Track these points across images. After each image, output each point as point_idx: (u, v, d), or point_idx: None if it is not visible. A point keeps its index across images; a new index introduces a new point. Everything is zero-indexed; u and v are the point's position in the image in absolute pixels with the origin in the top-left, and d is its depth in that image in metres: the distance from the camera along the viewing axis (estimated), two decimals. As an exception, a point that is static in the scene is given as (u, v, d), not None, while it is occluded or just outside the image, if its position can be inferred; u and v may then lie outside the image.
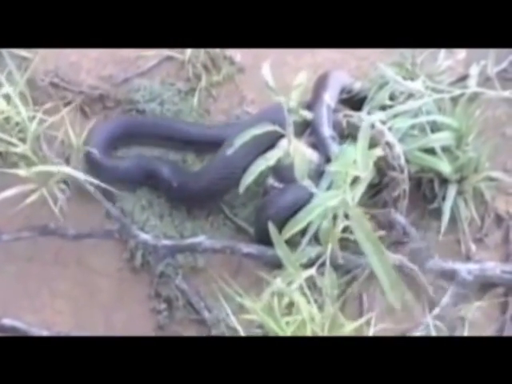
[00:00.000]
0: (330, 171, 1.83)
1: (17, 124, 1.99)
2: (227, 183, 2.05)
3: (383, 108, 2.01)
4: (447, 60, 2.12)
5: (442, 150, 1.97)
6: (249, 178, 1.70)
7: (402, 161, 1.91)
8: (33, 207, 1.97)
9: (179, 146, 2.21)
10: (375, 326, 1.69)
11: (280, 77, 1.85)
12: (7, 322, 1.95)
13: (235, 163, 1.99)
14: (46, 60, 2.30)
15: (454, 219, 2.03)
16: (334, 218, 1.62)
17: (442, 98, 1.99)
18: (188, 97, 2.28)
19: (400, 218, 1.96)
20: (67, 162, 2.06)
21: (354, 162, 1.58)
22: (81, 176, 1.92)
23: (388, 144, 1.91)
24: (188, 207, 2.12)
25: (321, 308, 1.63)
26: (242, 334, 1.66)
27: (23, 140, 1.97)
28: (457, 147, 1.99)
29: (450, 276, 1.93)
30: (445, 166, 1.95)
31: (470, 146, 2.00)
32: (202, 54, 2.27)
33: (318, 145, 2.02)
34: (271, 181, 2.03)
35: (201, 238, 1.97)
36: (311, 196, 1.75)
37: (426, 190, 2.06)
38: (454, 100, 2.01)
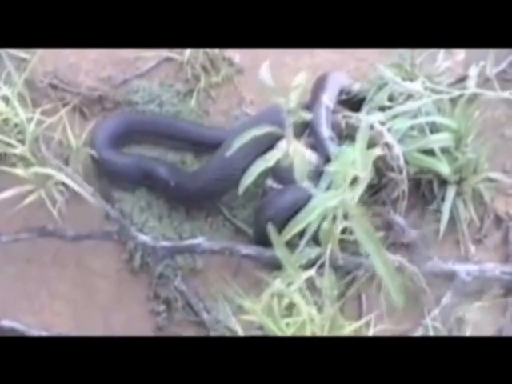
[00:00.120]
0: (329, 172, 1.83)
1: (15, 125, 1.99)
2: (224, 184, 2.05)
3: (382, 109, 2.01)
4: (446, 61, 2.11)
5: (441, 150, 1.96)
6: (248, 180, 1.69)
7: (401, 162, 1.90)
8: (31, 208, 1.97)
9: (182, 145, 2.21)
10: (374, 327, 1.69)
11: (279, 78, 1.85)
12: (6, 323, 1.95)
13: (233, 164, 1.99)
14: (44, 61, 2.29)
15: (453, 220, 2.03)
16: (334, 218, 1.62)
17: (441, 98, 1.99)
18: (187, 98, 2.28)
19: (399, 219, 1.96)
20: (66, 163, 2.06)
21: (353, 163, 1.58)
22: (77, 181, 1.93)
23: (387, 145, 1.91)
24: (185, 207, 2.12)
25: (320, 309, 1.63)
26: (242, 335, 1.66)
27: (22, 141, 1.97)
28: (456, 148, 1.99)
29: (450, 277, 1.93)
30: (444, 167, 1.95)
31: (469, 146, 2.00)
32: (200, 55, 2.26)
33: (317, 146, 2.02)
34: (270, 182, 2.03)
35: (200, 240, 1.97)
36: (310, 197, 1.75)
37: (425, 191, 2.06)
38: (453, 101, 2.01)
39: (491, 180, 2.06)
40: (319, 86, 2.12)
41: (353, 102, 2.12)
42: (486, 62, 2.02)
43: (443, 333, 1.84)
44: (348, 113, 2.04)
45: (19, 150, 1.95)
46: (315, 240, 1.73)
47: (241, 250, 1.96)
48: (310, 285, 1.70)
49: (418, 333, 1.88)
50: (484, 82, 2.04)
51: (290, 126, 1.72)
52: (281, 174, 1.98)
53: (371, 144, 1.85)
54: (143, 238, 1.99)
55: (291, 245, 1.76)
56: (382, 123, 1.93)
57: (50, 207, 1.97)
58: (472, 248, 2.04)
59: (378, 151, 1.68)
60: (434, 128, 1.99)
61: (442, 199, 2.02)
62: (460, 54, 2.18)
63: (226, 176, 2.02)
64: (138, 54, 2.31)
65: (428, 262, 1.93)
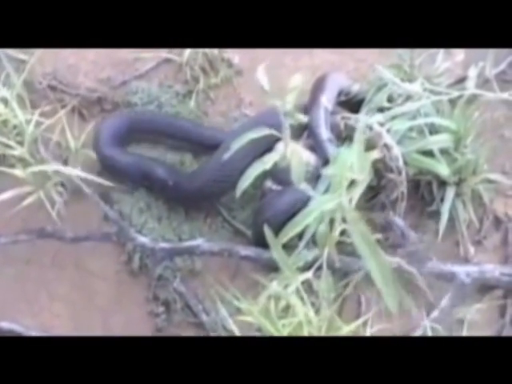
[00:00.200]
0: (327, 174, 1.82)
1: (14, 127, 1.99)
2: (222, 186, 2.05)
3: (381, 110, 2.00)
4: (445, 62, 2.11)
5: (441, 152, 1.96)
6: (245, 182, 1.69)
7: (400, 163, 1.90)
8: (30, 210, 1.98)
9: (183, 145, 2.21)
10: (372, 329, 1.69)
11: (278, 79, 1.84)
12: (5, 325, 1.95)
13: (231, 166, 1.99)
14: (43, 62, 2.30)
15: (452, 221, 2.02)
16: (331, 221, 1.61)
17: (440, 99, 1.98)
18: (186, 99, 2.28)
19: (398, 221, 1.95)
20: (65, 164, 2.06)
21: (351, 165, 1.57)
22: (78, 174, 1.93)
23: (386, 146, 1.90)
24: (183, 207, 2.12)
25: (318, 311, 1.63)
26: (240, 337, 1.67)
27: (21, 143, 1.97)
28: (455, 149, 1.99)
29: (449, 278, 1.92)
30: (443, 169, 1.94)
31: (468, 148, 2.00)
32: (199, 56, 2.26)
33: (316, 147, 2.02)
34: (269, 183, 2.03)
35: (199, 241, 1.97)
36: (308, 198, 1.75)
37: (424, 193, 2.05)
38: (453, 102, 2.00)
39: (490, 181, 2.05)
40: (318, 87, 2.12)
41: (352, 103, 2.12)
42: (485, 62, 2.01)
43: (442, 334, 1.84)
44: (347, 114, 2.04)
45: (18, 151, 1.95)
46: (314, 242, 1.73)
47: (240, 252, 1.96)
48: (308, 287, 1.70)
49: (417, 334, 1.87)
50: (483, 82, 2.03)
51: (287, 129, 1.72)
52: (280, 175, 1.98)
53: (370, 145, 1.86)
54: (142, 239, 1.99)
55: (290, 246, 1.76)
56: (381, 124, 1.93)
57: (49, 208, 1.97)
58: (471, 249, 2.04)
59: (375, 154, 1.67)
60: (433, 129, 1.98)
61: (442, 200, 2.01)
62: (459, 54, 2.18)
63: (224, 177, 2.02)
64: (137, 55, 2.32)
65: (427, 263, 1.93)
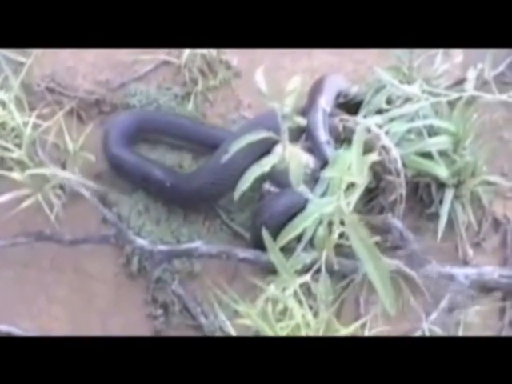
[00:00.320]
0: (325, 177, 1.82)
1: (12, 129, 1.99)
2: (219, 188, 2.05)
3: (380, 112, 2.00)
4: (444, 63, 2.11)
5: (439, 154, 1.96)
6: (244, 185, 1.69)
7: (399, 165, 1.90)
8: (28, 212, 1.98)
9: (195, 147, 2.22)
10: (370, 331, 1.69)
11: (276, 81, 1.83)
12: (3, 328, 1.95)
13: (228, 169, 1.99)
14: (42, 65, 2.30)
15: (451, 223, 2.02)
16: (330, 224, 1.61)
17: (439, 101, 1.98)
18: (184, 101, 2.27)
19: (397, 223, 1.95)
20: (63, 167, 2.06)
21: (349, 168, 1.57)
22: (74, 179, 1.93)
23: (384, 148, 1.90)
24: (181, 208, 2.12)
25: (316, 314, 1.63)
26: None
27: (19, 145, 1.97)
28: (454, 151, 1.99)
29: (448, 281, 1.92)
30: (442, 171, 1.94)
31: (467, 150, 2.00)
32: (198, 58, 2.26)
33: (314, 150, 2.01)
34: (267, 186, 2.02)
35: (197, 244, 1.96)
36: (307, 201, 1.74)
37: (423, 195, 2.05)
38: (451, 104, 2.00)
39: (489, 183, 2.05)
40: (316, 89, 2.11)
41: (350, 105, 2.12)
42: (484, 64, 2.01)
43: (441, 337, 1.84)
44: (345, 116, 2.04)
45: (16, 154, 1.95)
46: (312, 245, 1.73)
47: (238, 254, 1.96)
48: (306, 289, 1.70)
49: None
50: (482, 84, 2.03)
51: (285, 132, 1.71)
52: (278, 177, 1.98)
53: (369, 147, 1.86)
54: (141, 241, 1.99)
55: (288, 249, 1.76)
56: (380, 126, 1.93)
57: (47, 211, 1.97)
58: (470, 251, 2.03)
59: (374, 156, 1.67)
60: (432, 131, 1.99)
61: (440, 202, 2.01)
62: (458, 56, 2.18)
63: (222, 180, 2.03)
64: (136, 57, 2.31)
65: (426, 265, 1.92)
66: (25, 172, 1.93)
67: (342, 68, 2.32)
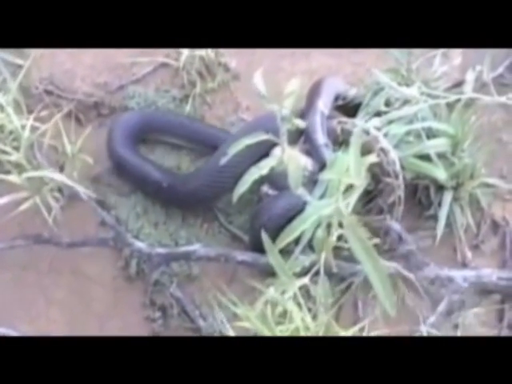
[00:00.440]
0: (324, 179, 1.82)
1: (10, 132, 1.98)
2: (216, 191, 2.06)
3: (378, 114, 2.00)
4: (443, 66, 2.11)
5: (438, 156, 1.96)
6: (242, 188, 1.69)
7: (398, 167, 1.90)
8: (27, 215, 1.97)
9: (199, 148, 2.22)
10: (369, 333, 1.69)
11: (275, 83, 1.84)
12: (1, 330, 1.94)
13: (225, 172, 2.00)
14: (40, 67, 2.29)
15: (449, 226, 2.02)
16: (328, 226, 1.61)
17: (437, 103, 1.98)
18: (183, 104, 2.27)
19: (395, 225, 1.95)
20: (61, 169, 2.06)
21: (347, 170, 1.57)
22: (70, 184, 1.92)
23: (383, 150, 1.90)
24: (177, 209, 2.12)
25: (315, 317, 1.62)
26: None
27: (17, 148, 1.96)
28: (452, 153, 1.99)
29: (446, 283, 1.92)
30: (440, 173, 1.94)
31: (465, 152, 2.00)
32: (196, 60, 2.26)
33: (312, 152, 2.01)
34: (266, 188, 2.02)
35: (195, 246, 1.96)
36: (305, 203, 1.74)
37: (421, 197, 2.05)
38: (450, 106, 2.00)
39: (488, 185, 2.05)
40: (315, 91, 2.11)
41: (349, 108, 2.12)
42: (482, 66, 2.01)
43: (440, 339, 1.83)
44: (344, 118, 2.04)
45: (14, 156, 1.94)
46: (311, 247, 1.73)
47: (236, 257, 1.95)
48: (305, 292, 1.69)
49: (414, 339, 1.87)
50: (481, 86, 2.02)
51: (284, 134, 1.71)
52: (277, 180, 1.97)
53: (367, 150, 1.85)
54: (139, 244, 1.99)
55: (287, 251, 1.76)
56: (378, 128, 1.93)
57: (46, 214, 1.96)
58: (469, 254, 2.03)
59: (372, 158, 1.67)
60: (431, 133, 1.98)
61: (439, 205, 2.01)
62: (457, 58, 2.18)
63: (218, 182, 2.03)
64: (134, 59, 2.31)
65: (424, 268, 1.92)
66: (23, 175, 1.93)
67: (340, 70, 2.32)
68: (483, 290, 1.96)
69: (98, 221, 2.09)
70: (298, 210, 1.73)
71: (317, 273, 1.64)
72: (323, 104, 2.07)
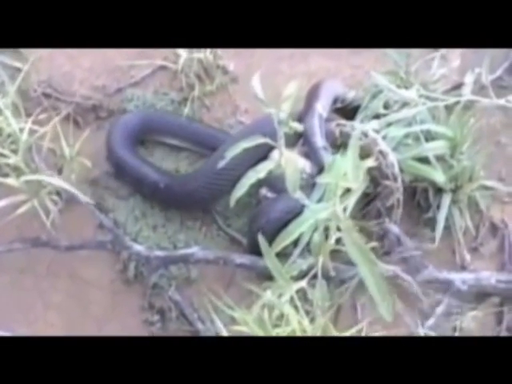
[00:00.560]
0: (322, 182, 1.82)
1: (9, 135, 1.98)
2: (213, 192, 2.06)
3: (377, 117, 2.00)
4: (441, 68, 2.11)
5: (437, 158, 1.96)
6: (239, 191, 1.69)
7: (396, 170, 1.90)
8: (25, 218, 1.97)
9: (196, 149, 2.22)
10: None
11: (274, 86, 1.84)
12: (-1, 333, 1.94)
13: (223, 174, 2.00)
14: (38, 70, 2.30)
15: (448, 228, 2.02)
16: (326, 229, 1.61)
17: (436, 106, 1.98)
18: (181, 106, 2.27)
19: (394, 228, 1.94)
20: (59, 172, 2.06)
21: (345, 174, 1.57)
22: (67, 188, 1.92)
23: (381, 153, 1.90)
24: (174, 210, 2.12)
25: (313, 320, 1.62)
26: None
27: (15, 151, 1.96)
28: (451, 156, 1.99)
29: (445, 286, 1.92)
30: (439, 175, 1.94)
31: (464, 154, 1.99)
32: (195, 63, 2.26)
33: (311, 155, 2.01)
34: (264, 191, 2.02)
35: (194, 249, 1.96)
36: (303, 206, 1.74)
37: (420, 200, 2.05)
38: (449, 108, 2.00)
39: (487, 188, 2.05)
40: (313, 94, 2.11)
41: (347, 110, 2.12)
42: (481, 68, 2.00)
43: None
44: (342, 121, 2.04)
45: (12, 160, 1.94)
46: (310, 250, 1.73)
47: (235, 260, 1.95)
48: (303, 295, 1.69)
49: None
50: (479, 89, 2.02)
51: (281, 137, 1.71)
52: (275, 182, 1.97)
53: (366, 152, 1.85)
54: (137, 247, 1.99)
55: (285, 255, 1.76)
56: (377, 131, 1.93)
57: (44, 217, 1.96)
58: (467, 256, 2.03)
59: (370, 162, 1.67)
60: (429, 136, 1.98)
61: (438, 207, 2.00)
62: (455, 61, 2.18)
63: (215, 184, 2.04)
64: (132, 62, 2.31)
65: (423, 270, 1.92)
66: (21, 178, 1.93)
67: (339, 73, 2.32)
68: (482, 293, 1.96)
69: (96, 224, 2.09)
70: (297, 212, 1.73)
71: (315, 276, 1.64)
72: (322, 106, 2.07)
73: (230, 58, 2.33)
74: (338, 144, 2.01)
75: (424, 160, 1.96)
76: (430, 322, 1.88)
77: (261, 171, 1.68)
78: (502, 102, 1.95)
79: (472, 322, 1.92)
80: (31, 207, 1.95)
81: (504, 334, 1.94)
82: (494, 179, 2.08)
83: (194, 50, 2.24)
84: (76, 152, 2.07)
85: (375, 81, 2.03)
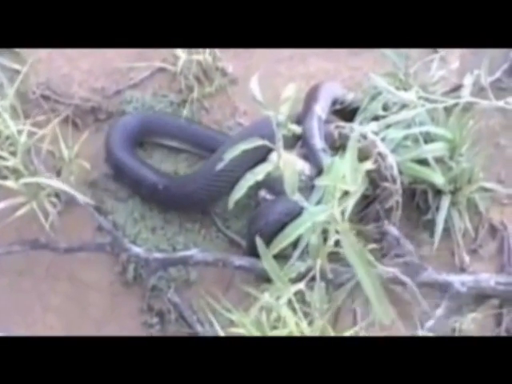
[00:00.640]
0: (320, 185, 1.82)
1: (7, 137, 1.98)
2: (211, 194, 2.06)
3: (376, 119, 2.00)
4: (440, 70, 2.11)
5: (436, 160, 1.95)
6: (238, 193, 1.69)
7: (395, 171, 1.89)
8: (23, 220, 1.97)
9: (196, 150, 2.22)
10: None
11: (272, 87, 1.84)
12: (-2, 336, 1.94)
13: (221, 176, 2.00)
14: (37, 72, 2.30)
15: (447, 230, 2.02)
16: (324, 232, 1.61)
17: (435, 108, 1.98)
18: (180, 108, 2.27)
19: (393, 230, 1.94)
20: (58, 175, 2.06)
21: (343, 176, 1.56)
22: (66, 190, 1.92)
23: (380, 155, 1.90)
24: (173, 212, 2.13)
25: (311, 322, 1.62)
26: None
27: (14, 154, 1.96)
28: (450, 158, 1.98)
29: (444, 288, 1.91)
30: (438, 177, 1.94)
31: (463, 156, 1.99)
32: (194, 65, 2.25)
33: (310, 157, 2.01)
34: (263, 193, 2.02)
35: (193, 251, 1.96)
36: (302, 208, 1.74)
37: (419, 201, 2.04)
38: (448, 110, 2.00)
39: (486, 190, 2.05)
40: (312, 96, 2.11)
41: (346, 112, 2.11)
42: (480, 70, 2.01)
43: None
44: (341, 123, 2.03)
45: (11, 162, 1.95)
46: (308, 252, 1.72)
47: (234, 262, 1.95)
48: (301, 297, 1.69)
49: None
50: (479, 90, 2.02)
51: (280, 140, 1.71)
52: (274, 184, 1.97)
53: (365, 154, 1.85)
54: (136, 249, 1.98)
55: (284, 256, 1.75)
56: (376, 133, 1.93)
57: (42, 219, 1.96)
58: (467, 258, 2.03)
59: (368, 164, 1.67)
60: (428, 138, 1.98)
61: (437, 209, 2.00)
62: (454, 62, 2.18)
63: (214, 186, 2.04)
64: (131, 64, 2.31)
65: (422, 272, 1.91)
66: (20, 180, 1.93)
67: (337, 74, 2.32)
68: (481, 295, 1.95)
69: (95, 226, 2.09)
70: (296, 215, 1.73)
71: (313, 278, 1.64)
72: (321, 108, 2.06)
73: (229, 60, 2.33)
74: (337, 146, 2.01)
75: (423, 162, 1.95)
76: (429, 323, 1.87)
77: (259, 173, 1.67)
78: (501, 103, 1.96)
79: (471, 324, 1.92)
80: (30, 209, 1.95)
81: (503, 335, 1.93)
82: (494, 181, 2.08)
83: (193, 51, 2.23)
84: (75, 154, 2.07)
85: (374, 82, 2.04)
